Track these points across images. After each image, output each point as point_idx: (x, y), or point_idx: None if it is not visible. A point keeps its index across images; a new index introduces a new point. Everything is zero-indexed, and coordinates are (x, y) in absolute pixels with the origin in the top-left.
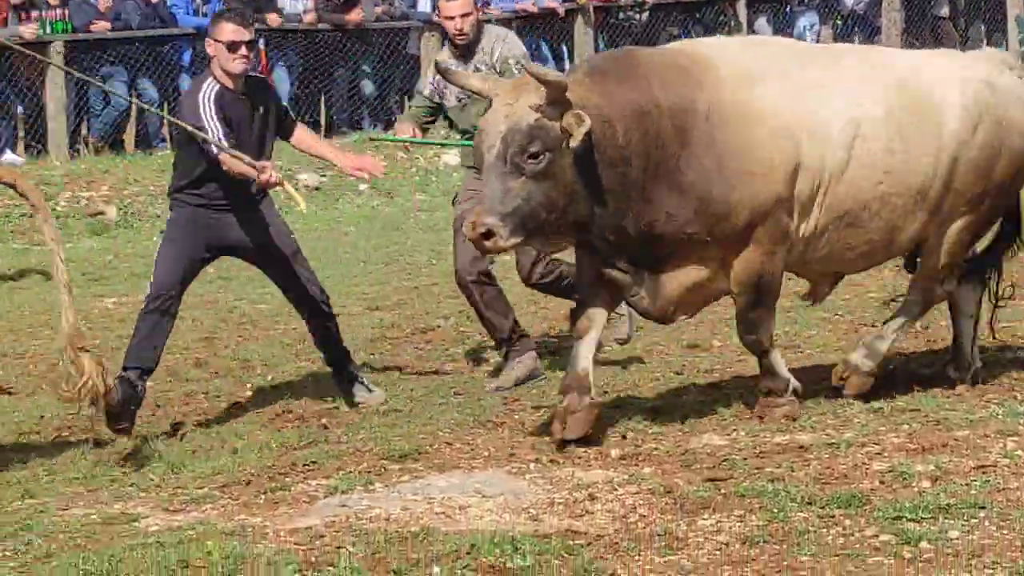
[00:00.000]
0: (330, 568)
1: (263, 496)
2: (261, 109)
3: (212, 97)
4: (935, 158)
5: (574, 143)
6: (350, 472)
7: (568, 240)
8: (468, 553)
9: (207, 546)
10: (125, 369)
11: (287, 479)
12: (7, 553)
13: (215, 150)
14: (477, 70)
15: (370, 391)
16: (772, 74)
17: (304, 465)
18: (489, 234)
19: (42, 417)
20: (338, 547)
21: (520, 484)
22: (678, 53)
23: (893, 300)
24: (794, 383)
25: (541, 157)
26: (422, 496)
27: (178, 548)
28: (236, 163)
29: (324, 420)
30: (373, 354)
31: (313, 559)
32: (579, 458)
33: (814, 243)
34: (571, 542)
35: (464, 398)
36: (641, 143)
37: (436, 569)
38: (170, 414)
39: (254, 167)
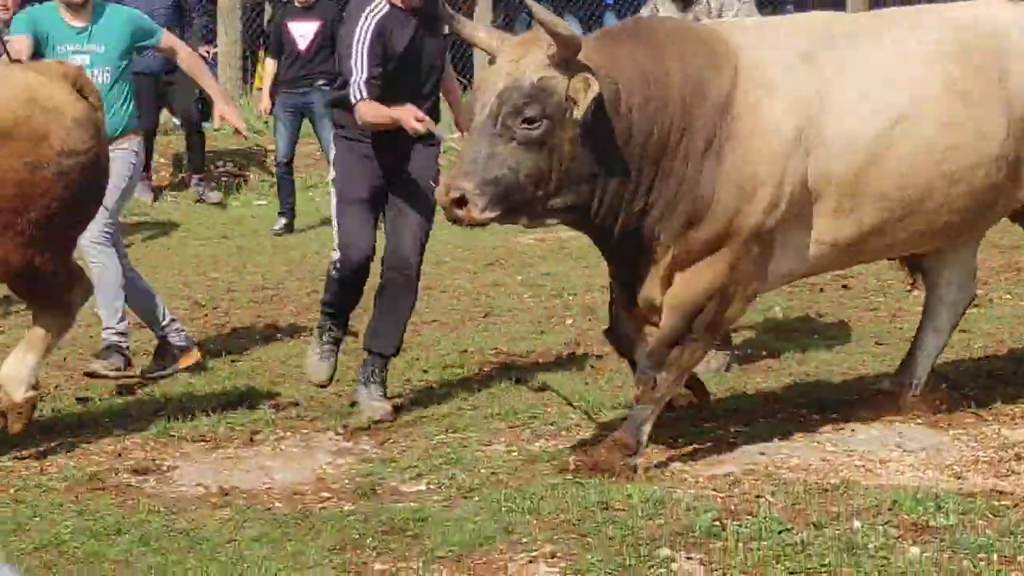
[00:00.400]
0: (749, 517)
1: (681, 439)
2: (434, 31)
3: (375, 22)
4: (1007, 118)
5: (579, 113)
6: (769, 419)
7: (557, 222)
8: (889, 509)
9: (627, 488)
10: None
11: (706, 424)
12: (432, 486)
13: (352, 100)
14: (696, 20)
15: (375, 401)
16: (794, 67)
17: (724, 411)
18: (462, 201)
19: (465, 351)
20: (757, 496)
21: (943, 440)
22: (702, 29)
23: None
24: (641, 457)
25: (538, 123)
26: (842, 448)
27: (599, 489)
28: (373, 114)
29: (743, 366)
30: (792, 300)
31: (732, 507)
32: (1005, 416)
33: (866, 240)
34: (996, 502)
35: (887, 348)
36: (645, 119)
37: (856, 523)
38: (590, 353)
39: (393, 117)
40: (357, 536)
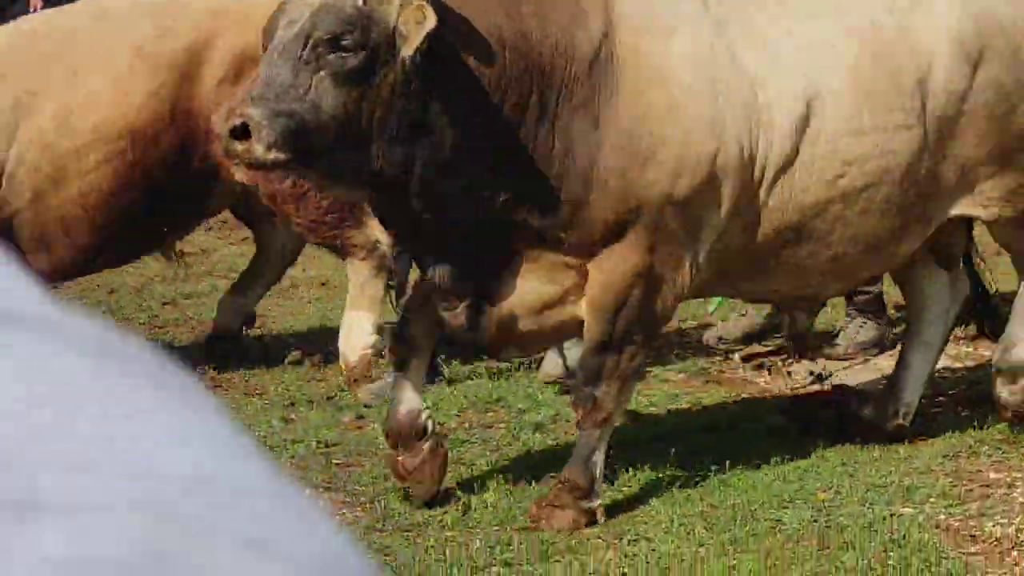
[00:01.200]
0: None
1: None
2: None
3: None
4: (919, 126)
5: (407, 50)
6: None
7: (358, 196)
8: None
9: None
10: None
11: None
12: None
13: None
14: None
15: None
16: (695, 23)
17: None
18: (244, 131)
19: None
20: None
21: None
22: None
23: None
24: (597, 497)
25: (354, 53)
26: None
27: None
28: None
29: None
30: None
31: None
32: None
33: (749, 261)
34: None
35: None
36: (496, 86)
37: None
38: None
39: None
40: (972, 443)
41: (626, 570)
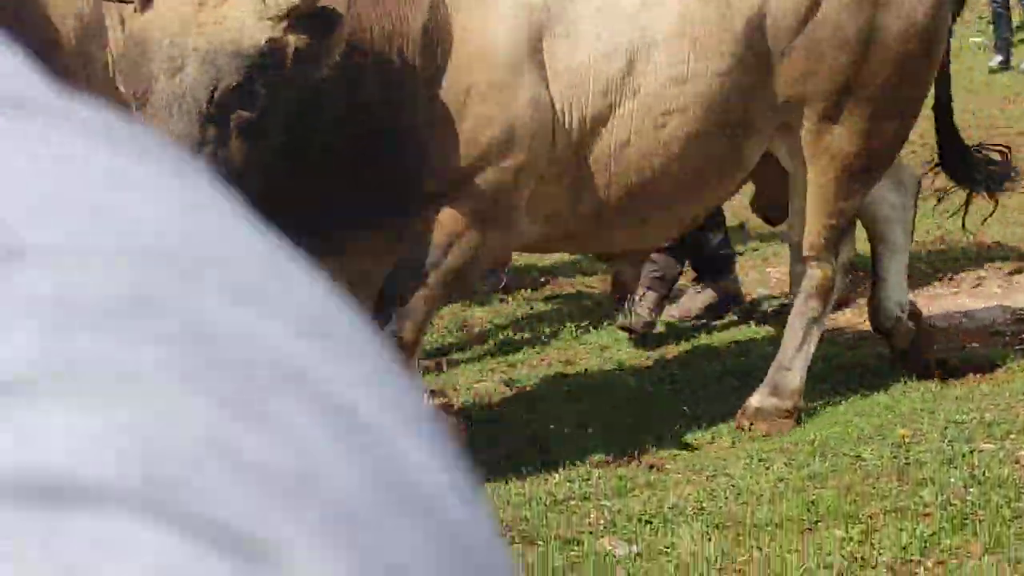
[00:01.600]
0: None
1: None
2: None
3: None
4: (753, 72)
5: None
6: None
7: None
8: None
9: None
10: None
11: None
12: None
13: None
14: None
15: None
16: None
17: None
18: None
19: None
20: None
21: None
22: None
23: None
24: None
25: (260, 99)
26: None
27: None
28: None
29: None
30: None
31: None
32: None
33: (592, 219)
34: None
35: None
36: (357, 86)
37: None
38: None
39: None
40: None
41: (705, 504)
